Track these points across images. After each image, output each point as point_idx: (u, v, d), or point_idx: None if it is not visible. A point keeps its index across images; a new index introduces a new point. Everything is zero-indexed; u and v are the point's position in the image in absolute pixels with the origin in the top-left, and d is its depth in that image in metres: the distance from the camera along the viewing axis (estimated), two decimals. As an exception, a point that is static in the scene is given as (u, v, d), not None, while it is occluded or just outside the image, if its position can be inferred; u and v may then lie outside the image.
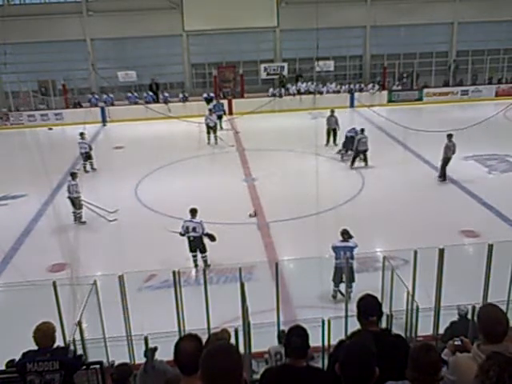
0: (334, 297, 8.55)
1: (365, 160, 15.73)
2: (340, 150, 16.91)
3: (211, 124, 19.47)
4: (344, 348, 2.77)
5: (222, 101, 23.54)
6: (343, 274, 8.21)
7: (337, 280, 8.48)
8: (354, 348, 2.74)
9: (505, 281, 6.74)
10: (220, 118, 21.60)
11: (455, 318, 6.22)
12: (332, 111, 18.25)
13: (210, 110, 20.25)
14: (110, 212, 12.39)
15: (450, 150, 14.01)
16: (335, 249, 8.40)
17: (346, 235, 8.48)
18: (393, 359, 2.83)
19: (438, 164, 14.33)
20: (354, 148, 15.83)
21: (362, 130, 15.95)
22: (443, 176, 14.12)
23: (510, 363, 2.22)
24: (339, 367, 2.66)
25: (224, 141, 19.28)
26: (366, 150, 15.68)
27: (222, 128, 21.41)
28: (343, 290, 8.31)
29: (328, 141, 18.15)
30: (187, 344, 2.75)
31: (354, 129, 16.61)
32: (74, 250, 10.12)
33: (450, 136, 14.13)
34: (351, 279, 7.98)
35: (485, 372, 2.23)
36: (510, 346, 2.86)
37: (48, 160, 12.72)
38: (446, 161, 14.07)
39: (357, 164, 15.68)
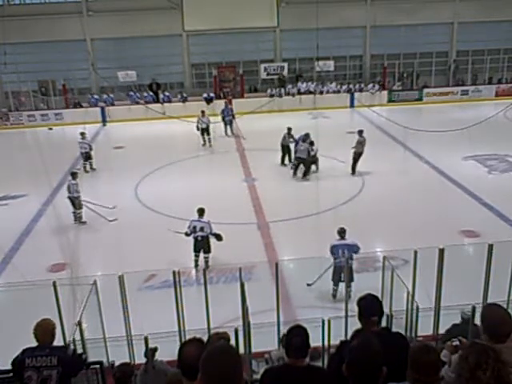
0: (334, 296, 8.55)
1: (306, 170, 14.99)
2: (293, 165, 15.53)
3: (203, 126, 19.10)
4: (350, 348, 2.76)
5: (217, 102, 22.79)
6: (342, 273, 8.23)
7: (336, 279, 8.49)
8: (360, 348, 2.73)
9: (505, 281, 6.75)
10: (230, 123, 20.58)
11: (455, 319, 6.21)
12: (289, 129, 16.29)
13: (202, 111, 19.75)
14: (109, 208, 12.40)
15: (361, 145, 15.01)
16: (333, 248, 8.41)
17: (343, 233, 8.54)
18: (394, 358, 2.83)
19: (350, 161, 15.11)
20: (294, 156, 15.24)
21: (305, 137, 15.20)
22: (353, 170, 15.11)
23: (487, 351, 2.32)
24: (346, 367, 2.66)
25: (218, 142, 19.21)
26: (303, 160, 14.99)
27: (233, 133, 20.62)
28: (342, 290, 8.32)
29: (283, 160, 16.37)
30: (191, 348, 2.74)
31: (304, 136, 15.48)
32: (74, 250, 10.13)
33: (360, 132, 15.17)
34: (350, 279, 8.00)
35: (464, 358, 2.35)
36: None
37: (48, 160, 12.71)
38: (356, 156, 15.05)
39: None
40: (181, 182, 14.89)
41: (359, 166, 15.22)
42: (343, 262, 8.12)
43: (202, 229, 9.59)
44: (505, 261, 6.45)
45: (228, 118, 20.62)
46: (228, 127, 20.67)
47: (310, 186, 14.44)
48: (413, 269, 6.55)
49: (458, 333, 4.86)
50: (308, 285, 8.63)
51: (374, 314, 3.44)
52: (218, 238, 9.64)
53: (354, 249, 8.37)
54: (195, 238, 9.63)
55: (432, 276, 6.37)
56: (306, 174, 15.01)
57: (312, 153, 15.11)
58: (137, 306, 6.59)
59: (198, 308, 6.40)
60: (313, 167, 15.41)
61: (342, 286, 8.40)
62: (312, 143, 15.19)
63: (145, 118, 23.61)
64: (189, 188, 14.11)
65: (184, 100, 25.30)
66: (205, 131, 19.19)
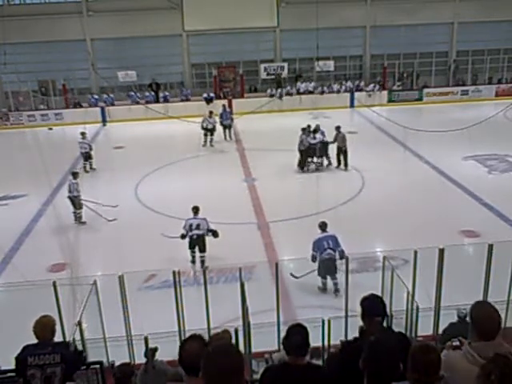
0: (324, 289, 8.59)
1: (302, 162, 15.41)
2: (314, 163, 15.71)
3: (209, 126, 18.90)
4: (369, 344, 2.80)
5: (217, 102, 22.51)
6: (328, 266, 8.34)
7: (322, 274, 8.53)
8: (379, 344, 2.78)
9: (505, 281, 6.74)
10: (229, 127, 20.05)
11: (454, 319, 6.22)
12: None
13: (210, 112, 19.52)
14: (111, 206, 12.40)
15: (341, 140, 15.21)
16: (317, 242, 8.44)
17: (324, 227, 8.66)
18: (398, 358, 2.85)
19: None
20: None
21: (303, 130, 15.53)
22: (345, 165, 15.36)
23: (511, 367, 2.23)
24: (363, 363, 2.70)
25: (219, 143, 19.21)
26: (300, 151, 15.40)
27: (231, 138, 20.06)
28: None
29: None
30: (192, 345, 2.74)
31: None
32: (74, 250, 10.13)
33: (338, 128, 15.34)
34: (335, 271, 8.22)
35: (486, 375, 2.26)
36: (503, 344, 2.87)
37: (48, 160, 12.74)
38: (339, 150, 15.34)
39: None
40: (181, 182, 14.88)
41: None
42: (331, 254, 8.25)
43: (198, 226, 9.55)
44: (505, 261, 6.45)
45: (227, 121, 20.05)
46: (227, 131, 20.12)
47: (310, 186, 14.46)
48: (413, 269, 6.55)
49: (456, 332, 4.87)
50: (293, 276, 8.59)
51: (377, 314, 3.44)
52: (215, 234, 9.62)
53: (336, 240, 8.45)
54: (190, 237, 9.61)
55: (432, 276, 6.37)
56: (302, 165, 15.37)
57: (312, 141, 15.25)
58: (137, 306, 6.59)
59: (198, 308, 6.40)
60: (315, 160, 15.58)
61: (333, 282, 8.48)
62: (315, 131, 15.42)
63: (145, 118, 23.61)
64: (189, 188, 14.09)
65: (184, 99, 25.28)
66: (209, 132, 19.03)
